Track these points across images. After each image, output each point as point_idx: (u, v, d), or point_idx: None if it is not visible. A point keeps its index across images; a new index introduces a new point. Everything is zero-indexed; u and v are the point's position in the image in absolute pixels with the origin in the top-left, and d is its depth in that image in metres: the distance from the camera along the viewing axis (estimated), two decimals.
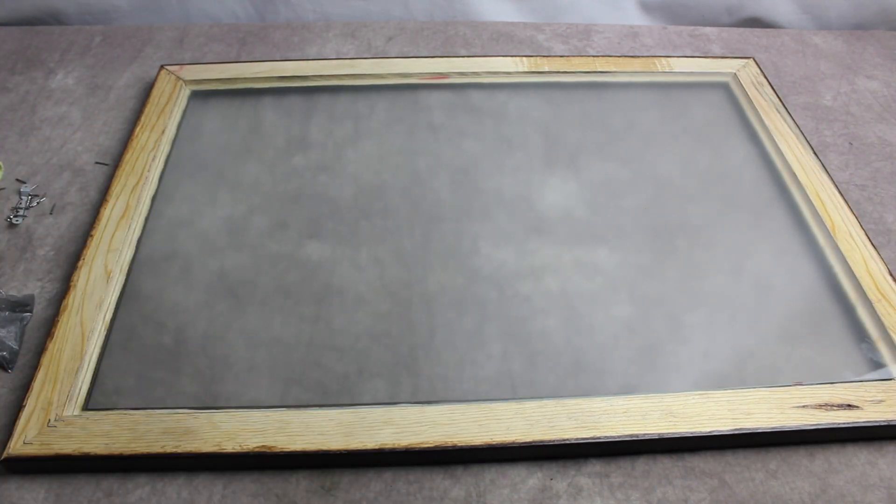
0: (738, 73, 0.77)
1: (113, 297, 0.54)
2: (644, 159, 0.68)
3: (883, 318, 0.54)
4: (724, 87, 0.77)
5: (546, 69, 0.76)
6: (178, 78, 0.73)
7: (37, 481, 0.46)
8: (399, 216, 0.62)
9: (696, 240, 0.61)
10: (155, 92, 0.72)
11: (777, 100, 0.73)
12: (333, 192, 0.64)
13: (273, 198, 0.63)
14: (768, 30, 0.90)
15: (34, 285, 0.57)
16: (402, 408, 0.48)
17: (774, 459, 0.48)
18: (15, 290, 0.56)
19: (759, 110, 0.72)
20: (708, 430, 0.47)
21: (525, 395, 0.49)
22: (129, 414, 0.47)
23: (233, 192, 0.64)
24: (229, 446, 0.45)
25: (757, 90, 0.75)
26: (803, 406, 0.49)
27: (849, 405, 0.49)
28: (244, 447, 0.45)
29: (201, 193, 0.64)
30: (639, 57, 0.78)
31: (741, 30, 0.90)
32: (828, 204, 0.63)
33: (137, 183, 0.62)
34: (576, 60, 0.77)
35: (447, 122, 0.71)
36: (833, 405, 0.49)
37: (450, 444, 0.46)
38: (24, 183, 0.65)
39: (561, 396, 0.49)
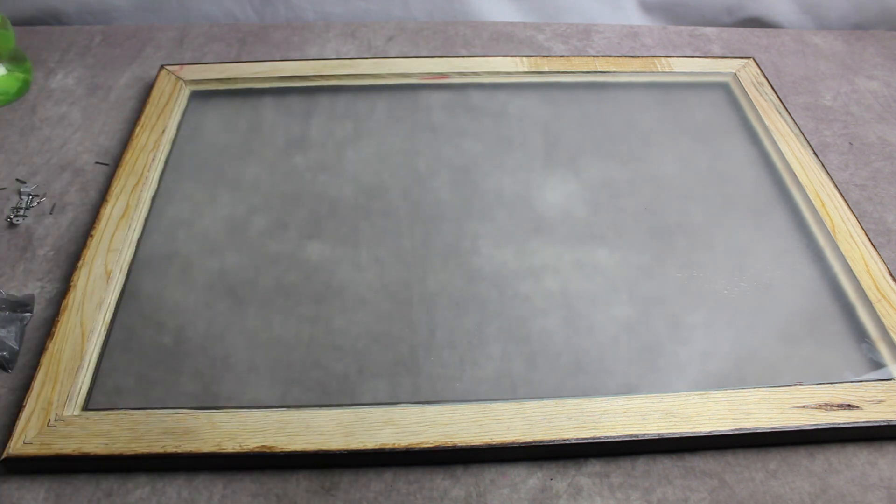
0: (738, 73, 0.77)
1: (113, 297, 0.54)
2: (644, 159, 0.68)
3: (883, 318, 0.54)
4: (724, 87, 0.77)
5: (546, 69, 0.76)
6: (178, 78, 0.73)
7: (37, 481, 0.46)
8: (399, 216, 0.62)
9: (696, 240, 0.61)
10: (155, 92, 0.72)
11: (777, 100, 0.73)
12: (333, 192, 0.64)
13: (273, 198, 0.63)
14: (768, 30, 0.90)
15: (34, 285, 0.57)
16: (402, 408, 0.48)
17: (774, 459, 0.48)
18: (15, 290, 0.56)
19: (759, 110, 0.72)
20: (708, 430, 0.47)
21: (525, 395, 0.49)
22: (129, 414, 0.47)
23: (233, 192, 0.64)
24: (229, 446, 0.45)
25: (757, 90, 0.75)
26: (803, 406, 0.49)
27: (849, 405, 0.49)
28: (244, 447, 0.45)
29: (201, 193, 0.64)
30: (639, 57, 0.78)
31: (741, 30, 0.90)
32: (828, 204, 0.63)
33: (137, 183, 0.62)
34: (576, 60, 0.77)
35: (447, 122, 0.71)
36: (833, 405, 0.49)
37: (450, 444, 0.46)
38: (24, 183, 0.65)
39: (561, 396, 0.49)
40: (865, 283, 0.56)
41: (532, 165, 0.67)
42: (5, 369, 0.51)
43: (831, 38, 0.89)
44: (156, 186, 0.64)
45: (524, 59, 0.77)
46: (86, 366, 0.50)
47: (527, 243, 0.60)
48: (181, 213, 0.62)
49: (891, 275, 0.57)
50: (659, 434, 0.47)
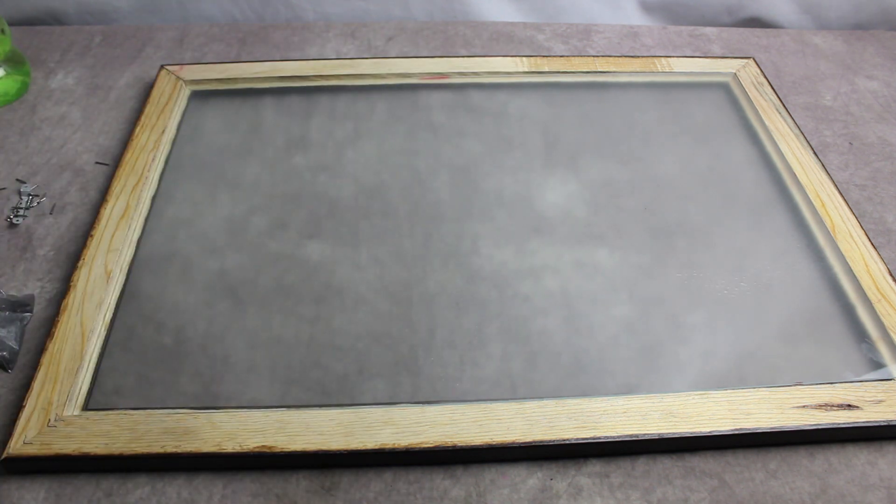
0: (738, 73, 0.77)
1: (113, 297, 0.54)
2: (644, 159, 0.68)
3: (883, 318, 0.54)
4: (724, 87, 0.77)
5: (546, 69, 0.76)
6: (178, 78, 0.73)
7: (37, 481, 0.46)
8: (399, 216, 0.62)
9: (696, 240, 0.61)
10: (155, 92, 0.72)
11: (777, 100, 0.73)
12: (333, 192, 0.64)
13: (273, 198, 0.63)
14: (768, 30, 0.91)
15: (34, 285, 0.57)
16: (402, 408, 0.48)
17: (774, 459, 0.48)
18: (15, 290, 0.56)
19: (759, 110, 0.72)
20: (708, 430, 0.47)
21: (525, 395, 0.49)
22: (129, 414, 0.47)
23: (233, 192, 0.64)
24: (229, 446, 0.45)
25: (757, 90, 0.75)
26: (803, 406, 0.49)
27: (849, 405, 0.49)
28: (244, 447, 0.45)
29: (201, 193, 0.64)
30: (639, 57, 0.78)
31: (741, 30, 0.90)
32: (828, 204, 0.63)
33: (137, 183, 0.62)
34: (576, 60, 0.77)
35: (447, 122, 0.71)
36: (833, 405, 0.49)
37: (450, 444, 0.46)
38: (24, 183, 0.65)
39: (561, 396, 0.49)
40: (865, 283, 0.56)
41: (532, 165, 0.67)
42: (5, 369, 0.51)
43: (831, 38, 0.89)
44: (156, 186, 0.64)
45: (524, 59, 0.77)
46: (86, 366, 0.50)
47: (527, 243, 0.60)
48: (181, 213, 0.62)
49: (891, 275, 0.57)
50: (659, 434, 0.47)
